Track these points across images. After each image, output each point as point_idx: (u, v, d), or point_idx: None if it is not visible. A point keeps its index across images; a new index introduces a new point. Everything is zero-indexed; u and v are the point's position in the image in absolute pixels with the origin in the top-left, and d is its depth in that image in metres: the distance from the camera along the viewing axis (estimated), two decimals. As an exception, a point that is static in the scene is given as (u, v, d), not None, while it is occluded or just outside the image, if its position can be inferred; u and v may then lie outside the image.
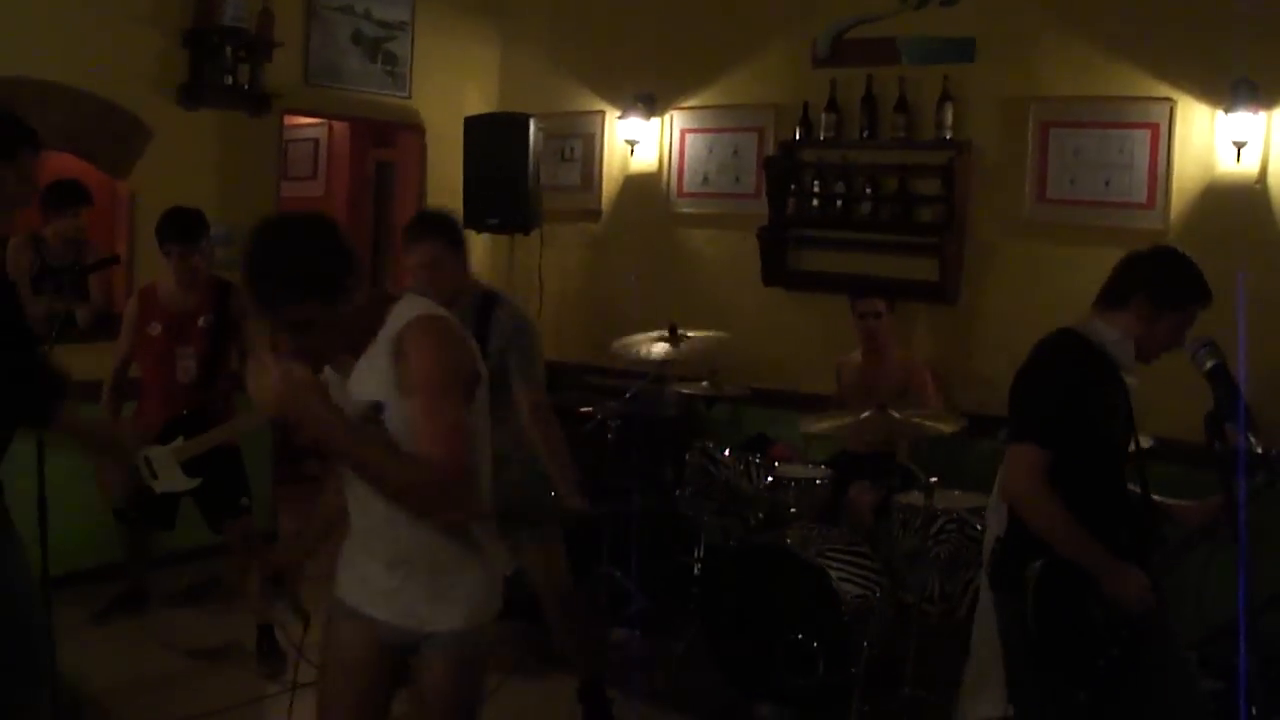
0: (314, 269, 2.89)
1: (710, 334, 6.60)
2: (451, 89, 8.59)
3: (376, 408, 2.96)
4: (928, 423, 5.50)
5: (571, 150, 8.51)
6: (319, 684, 3.33)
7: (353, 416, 2.93)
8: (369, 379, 3.01)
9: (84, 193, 6.41)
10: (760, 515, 5.78)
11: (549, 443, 4.79)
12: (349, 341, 3.05)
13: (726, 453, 6.01)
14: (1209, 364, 2.78)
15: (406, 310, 3.03)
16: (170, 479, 5.62)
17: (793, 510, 5.70)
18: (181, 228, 5.65)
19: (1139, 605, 3.37)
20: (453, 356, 3.02)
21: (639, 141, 8.10)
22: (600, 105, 8.39)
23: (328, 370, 3.14)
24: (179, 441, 5.59)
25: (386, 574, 3.14)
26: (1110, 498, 3.54)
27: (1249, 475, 3.10)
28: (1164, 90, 6.19)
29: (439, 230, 4.78)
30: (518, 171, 7.44)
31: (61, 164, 6.63)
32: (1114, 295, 3.67)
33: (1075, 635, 3.47)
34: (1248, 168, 5.94)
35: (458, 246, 4.80)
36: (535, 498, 4.85)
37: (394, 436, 2.94)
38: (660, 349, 6.39)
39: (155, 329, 5.70)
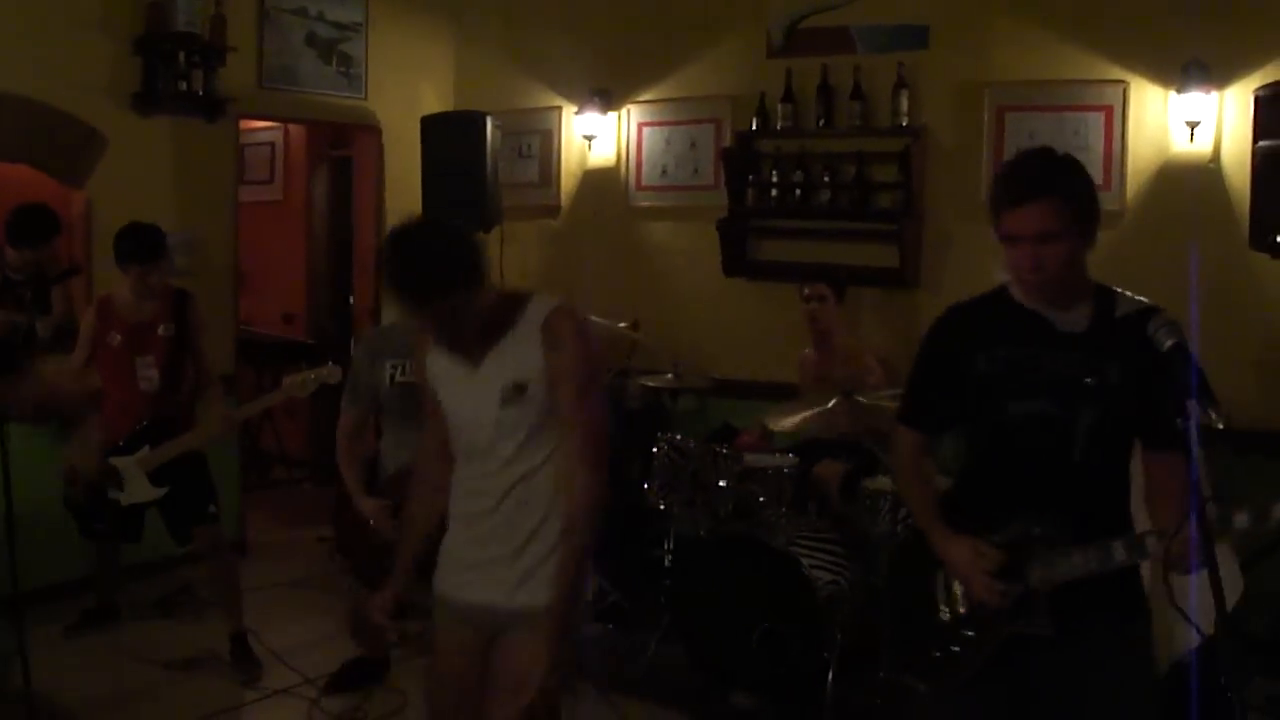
0: (461, 261, 3.13)
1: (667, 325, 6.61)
2: (407, 89, 8.58)
3: (519, 388, 3.22)
4: (893, 406, 5.52)
5: (529, 147, 8.51)
6: (433, 687, 3.56)
7: (493, 392, 3.23)
8: (512, 363, 3.24)
9: (52, 225, 6.22)
10: (729, 505, 5.79)
11: None
12: (483, 328, 3.24)
13: (693, 444, 6.03)
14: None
15: (543, 302, 3.30)
16: (137, 490, 5.60)
17: (761, 499, 5.71)
18: (140, 247, 5.61)
19: (980, 590, 3.11)
20: (593, 346, 3.31)
21: (596, 136, 8.10)
22: (556, 101, 8.39)
23: (436, 358, 3.37)
24: (144, 451, 5.58)
25: (515, 559, 3.28)
26: (993, 477, 3.28)
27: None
28: (1117, 73, 6.24)
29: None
30: (476, 170, 7.44)
31: (16, 174, 6.60)
32: None
33: (914, 614, 3.40)
34: (1201, 147, 6.01)
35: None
36: None
37: (528, 417, 3.23)
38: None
39: (115, 339, 5.67)
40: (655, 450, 6.11)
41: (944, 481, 3.53)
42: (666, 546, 6.06)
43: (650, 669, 5.74)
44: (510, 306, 3.29)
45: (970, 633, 3.23)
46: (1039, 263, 2.99)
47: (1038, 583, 3.06)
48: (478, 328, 3.23)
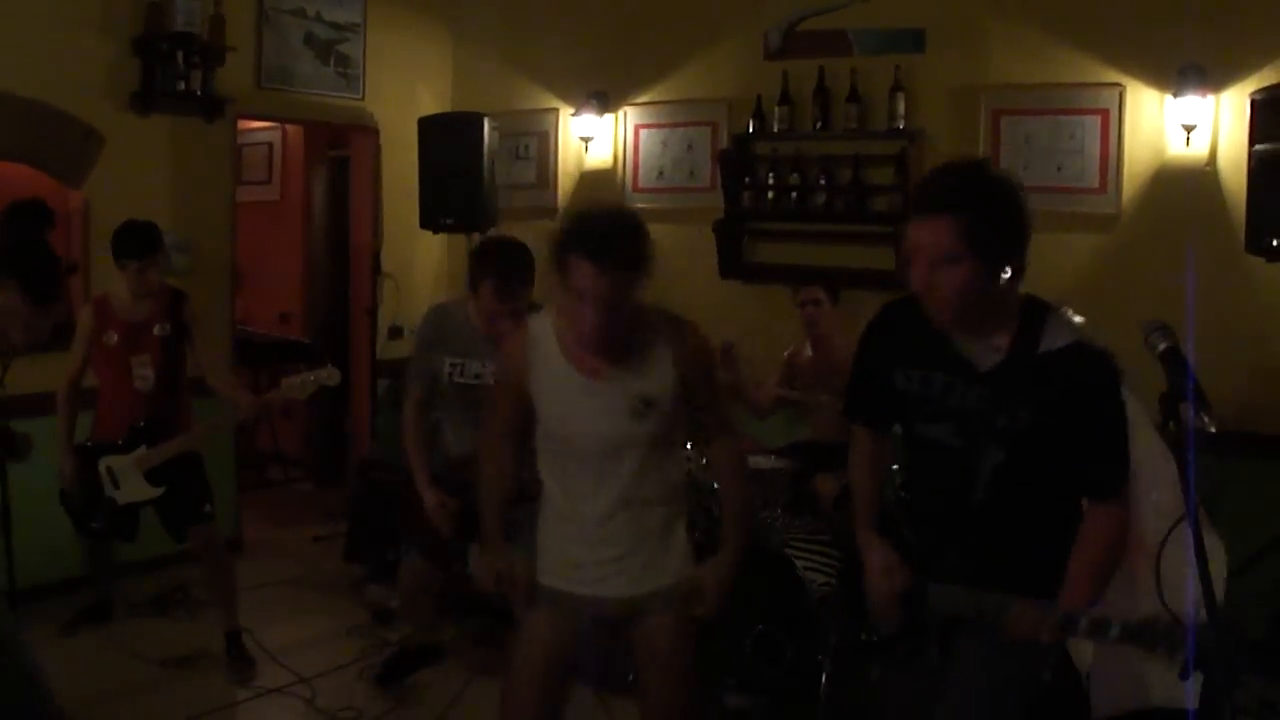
0: (650, 245, 3.30)
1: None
2: (405, 90, 8.59)
3: (648, 403, 3.32)
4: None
5: (526, 148, 8.52)
6: (516, 670, 3.56)
7: (617, 404, 3.33)
8: (641, 377, 3.34)
9: (47, 217, 6.27)
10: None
11: None
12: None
13: (688, 446, 6.01)
14: (1161, 346, 2.77)
15: (671, 319, 3.44)
16: (133, 489, 5.61)
17: (755, 501, 5.71)
18: (137, 242, 5.62)
19: (875, 603, 3.14)
20: (711, 347, 3.60)
21: (593, 138, 8.12)
22: (554, 103, 8.40)
23: (545, 362, 3.42)
24: (141, 450, 5.58)
25: (636, 554, 3.45)
26: (914, 490, 3.26)
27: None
28: (1113, 76, 6.25)
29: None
30: (473, 171, 7.44)
31: (14, 173, 6.59)
32: None
33: (853, 600, 3.37)
34: (1197, 151, 6.02)
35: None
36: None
37: (654, 431, 3.36)
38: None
39: (111, 338, 5.67)
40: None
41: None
42: (662, 548, 6.05)
43: (644, 670, 5.74)
44: (638, 321, 3.34)
45: (874, 638, 3.29)
46: (932, 283, 2.80)
47: (933, 610, 3.01)
48: (624, 331, 3.29)
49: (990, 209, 2.76)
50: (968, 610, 2.89)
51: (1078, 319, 2.92)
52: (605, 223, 3.25)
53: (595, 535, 3.45)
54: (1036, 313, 2.89)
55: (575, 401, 3.39)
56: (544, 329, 3.47)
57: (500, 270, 4.78)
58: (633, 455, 3.38)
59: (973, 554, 2.96)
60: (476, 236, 7.29)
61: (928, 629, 3.04)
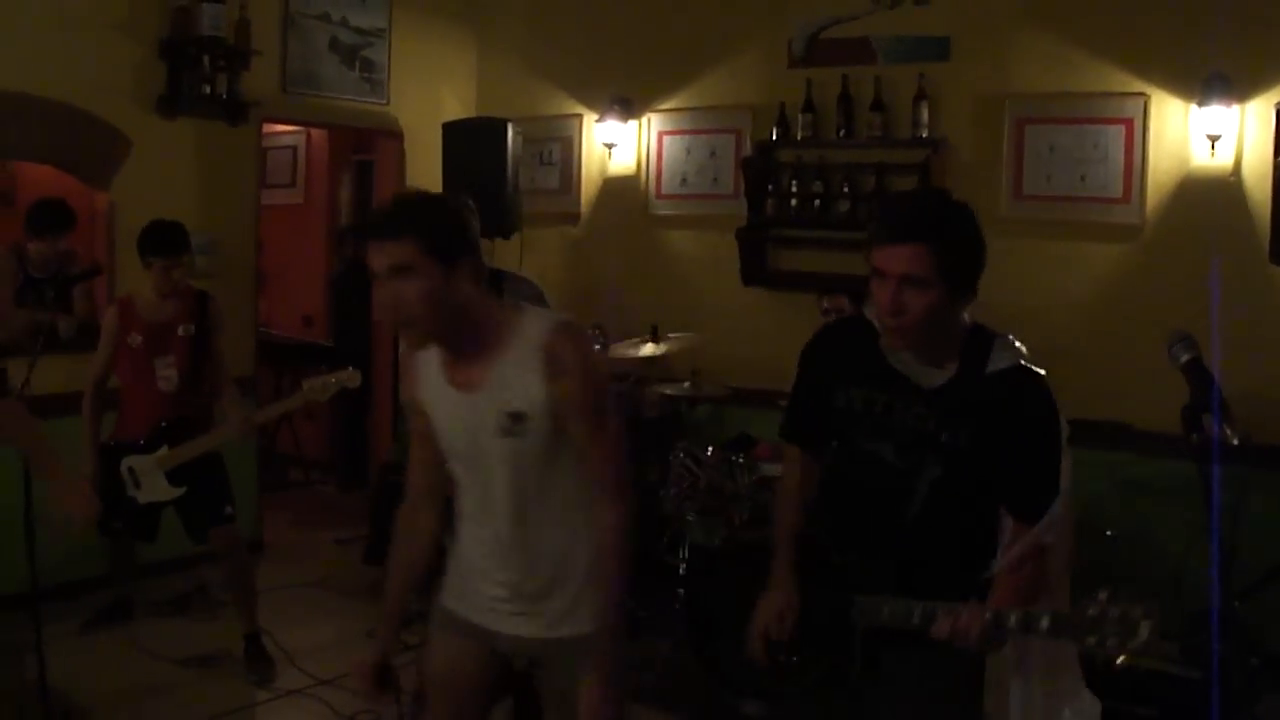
0: (448, 213, 2.97)
1: (689, 336, 6.64)
2: (429, 95, 8.61)
3: (517, 418, 2.94)
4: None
5: (550, 154, 8.54)
6: (436, 693, 3.33)
7: (489, 419, 2.95)
8: (507, 388, 2.94)
9: (69, 217, 6.38)
10: (745, 515, 5.79)
11: None
12: (478, 341, 2.98)
13: (709, 453, 6.03)
14: (1184, 358, 2.78)
15: (540, 319, 3.01)
16: (154, 489, 5.63)
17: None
18: (164, 241, 5.65)
19: (752, 644, 3.27)
20: (600, 367, 3.13)
21: (617, 144, 8.13)
22: (578, 109, 8.41)
23: (429, 373, 3.09)
24: (163, 451, 5.61)
25: (531, 589, 3.10)
26: (837, 505, 3.23)
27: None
28: (1138, 85, 6.23)
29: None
30: (496, 176, 7.45)
31: (41, 175, 6.65)
32: None
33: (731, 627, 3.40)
34: (1222, 161, 5.99)
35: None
36: None
37: (533, 447, 2.96)
38: (642, 350, 6.44)
39: (135, 340, 5.69)
40: (671, 458, 6.12)
41: None
42: (681, 555, 6.06)
43: (663, 676, 5.74)
44: (504, 322, 2.99)
45: (795, 657, 3.30)
46: (899, 306, 2.82)
47: (856, 623, 3.01)
48: (470, 332, 2.95)
49: (957, 239, 2.82)
50: (897, 619, 2.90)
51: (1020, 346, 2.94)
52: (393, 201, 3.01)
53: (489, 560, 3.13)
54: (984, 336, 2.93)
55: (452, 415, 3.07)
56: None
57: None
58: (515, 474, 3.01)
59: (904, 566, 2.98)
60: (499, 242, 7.30)
61: (848, 648, 3.06)
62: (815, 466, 3.34)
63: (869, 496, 3.08)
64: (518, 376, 2.93)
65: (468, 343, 2.96)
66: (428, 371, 3.09)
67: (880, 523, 3.04)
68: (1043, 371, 2.90)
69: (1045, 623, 2.66)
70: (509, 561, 3.10)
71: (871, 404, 3.03)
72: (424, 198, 3.00)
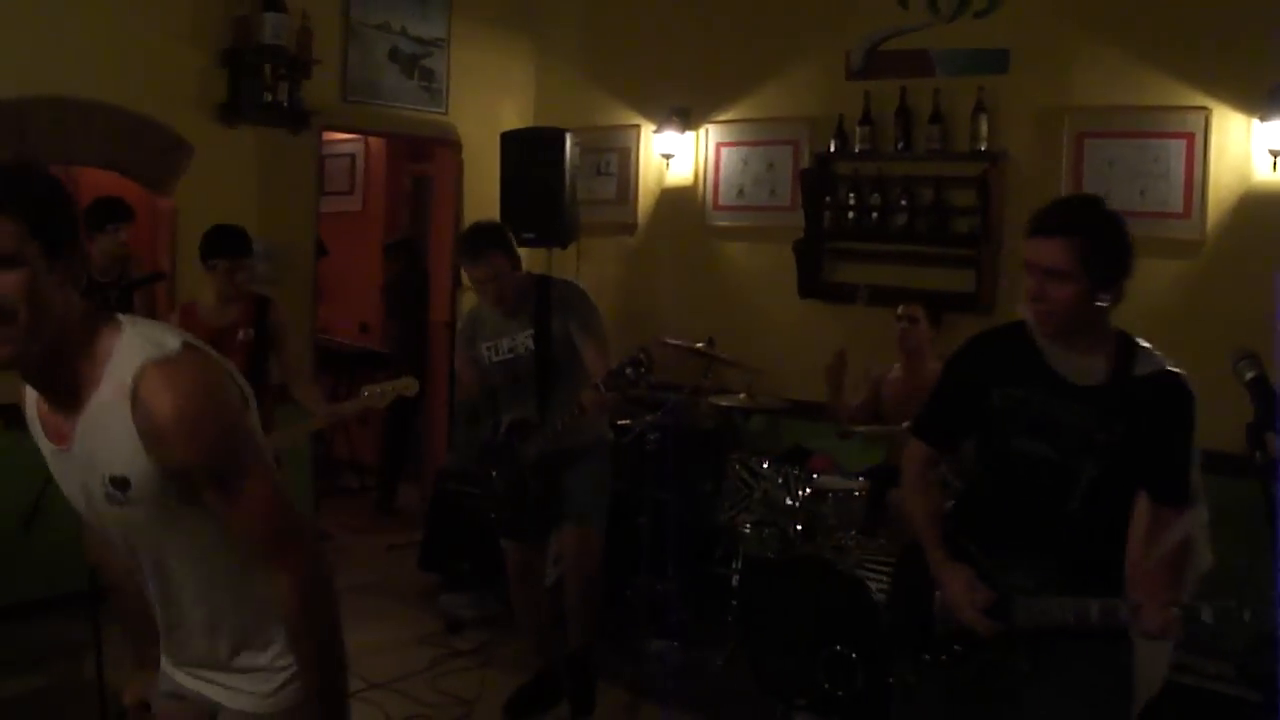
0: (32, 182, 2.18)
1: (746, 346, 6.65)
2: (487, 104, 8.66)
3: (120, 484, 2.26)
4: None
5: (607, 164, 8.56)
6: None
7: (94, 482, 2.30)
8: (101, 446, 2.25)
9: (126, 209, 6.46)
10: (798, 527, 5.79)
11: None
12: (61, 362, 2.22)
13: (765, 464, 6.03)
14: (1249, 375, 2.78)
15: (131, 348, 2.22)
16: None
17: (831, 522, 5.71)
18: (229, 243, 5.70)
19: (969, 621, 3.16)
20: (221, 409, 2.28)
21: (674, 155, 8.14)
22: (635, 119, 8.43)
23: (31, 409, 2.41)
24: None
25: (229, 660, 2.53)
26: (991, 505, 3.32)
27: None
28: (1199, 99, 6.18)
29: (496, 240, 5.20)
30: (554, 186, 7.49)
31: (104, 181, 6.73)
32: None
33: (913, 614, 3.43)
34: (1284, 176, 5.95)
35: (514, 255, 5.23)
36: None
37: (151, 518, 2.33)
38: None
39: (198, 345, 5.73)
40: (726, 469, 6.12)
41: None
42: (735, 566, 6.06)
43: (714, 687, 5.74)
44: (102, 350, 2.23)
45: (957, 647, 3.29)
46: (1042, 292, 3.05)
47: (1020, 623, 3.11)
48: (59, 361, 2.21)
49: (1102, 236, 3.08)
50: (1064, 618, 3.01)
51: (1159, 353, 3.15)
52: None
53: (186, 641, 2.57)
54: (1127, 339, 3.14)
55: (59, 475, 2.41)
56: None
57: (461, 250, 5.48)
58: (143, 547, 2.42)
59: (1059, 563, 3.10)
60: (556, 251, 7.33)
61: (1014, 643, 3.13)
62: (937, 465, 3.58)
63: (1026, 495, 3.19)
64: (110, 427, 2.22)
65: (58, 376, 2.23)
66: (33, 415, 2.41)
67: (1039, 520, 3.16)
68: (1185, 373, 3.09)
69: (1207, 614, 2.84)
70: (184, 635, 2.56)
71: (1028, 402, 3.16)
72: (27, 167, 2.20)
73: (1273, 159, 5.91)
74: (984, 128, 6.75)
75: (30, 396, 2.37)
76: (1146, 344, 3.14)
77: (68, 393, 2.24)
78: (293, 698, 2.52)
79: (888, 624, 3.60)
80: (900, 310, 6.24)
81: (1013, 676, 3.16)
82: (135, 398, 2.17)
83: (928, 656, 3.35)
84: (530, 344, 5.22)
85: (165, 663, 2.66)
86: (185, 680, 2.62)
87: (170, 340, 2.24)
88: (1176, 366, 3.10)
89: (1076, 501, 3.09)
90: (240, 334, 5.77)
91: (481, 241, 5.18)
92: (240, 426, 2.32)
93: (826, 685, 5.20)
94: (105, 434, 2.22)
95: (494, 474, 5.31)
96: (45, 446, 2.37)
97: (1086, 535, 3.11)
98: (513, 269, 5.20)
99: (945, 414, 3.47)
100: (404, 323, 9.32)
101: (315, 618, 2.39)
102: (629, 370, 4.84)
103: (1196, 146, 6.18)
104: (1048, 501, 3.13)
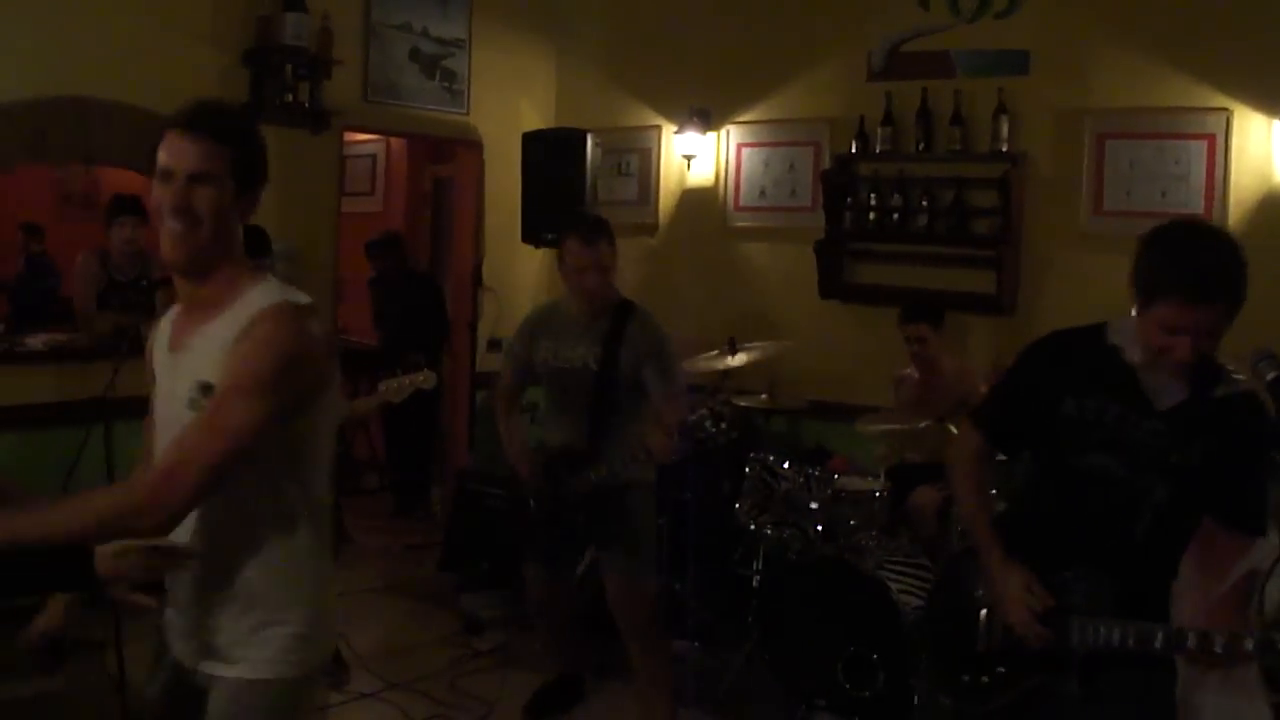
0: (246, 133, 2.79)
1: (768, 345, 6.64)
2: (508, 105, 8.67)
3: (206, 390, 2.51)
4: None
5: (628, 165, 8.57)
6: None
7: (183, 388, 2.56)
8: (204, 356, 2.56)
9: (137, 206, 6.49)
10: (819, 527, 5.78)
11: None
12: (200, 293, 2.68)
13: (785, 465, 6.02)
14: (1270, 375, 2.76)
15: (269, 291, 2.63)
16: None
17: (852, 522, 5.71)
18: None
19: (1021, 627, 3.07)
20: (301, 359, 2.53)
21: (695, 156, 8.14)
22: (656, 120, 8.44)
23: (160, 331, 2.77)
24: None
25: (205, 615, 2.62)
26: (1053, 519, 3.20)
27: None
28: (1220, 100, 6.17)
29: (609, 234, 5.05)
30: (575, 186, 7.48)
31: (125, 180, 6.75)
32: None
33: (953, 633, 3.33)
34: (1306, 178, 5.93)
35: (615, 257, 5.10)
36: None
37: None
38: (719, 362, 6.46)
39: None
40: (746, 470, 6.12)
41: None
42: (755, 566, 6.05)
43: (735, 687, 5.73)
44: (242, 283, 2.64)
45: (1001, 669, 3.20)
46: (1198, 354, 2.86)
47: (1075, 644, 3.01)
48: (212, 272, 2.63)
49: (1243, 297, 2.87)
50: (1124, 642, 2.92)
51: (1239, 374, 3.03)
52: (209, 103, 2.80)
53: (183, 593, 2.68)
54: (1211, 361, 2.99)
55: (160, 381, 2.70)
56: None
57: (577, 227, 5.08)
58: None
59: (1119, 585, 3.00)
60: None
61: (1065, 662, 3.04)
62: (990, 460, 3.40)
63: (1091, 512, 3.08)
64: (220, 340, 2.53)
65: (207, 289, 2.63)
66: (161, 332, 2.75)
67: (1102, 541, 3.05)
68: (1266, 397, 2.94)
69: None
70: (182, 577, 2.65)
71: (1105, 416, 3.04)
72: (247, 115, 2.69)
73: (1294, 161, 5.90)
74: (1005, 129, 6.75)
75: (163, 323, 2.74)
76: (1230, 365, 3.02)
77: (204, 306, 2.61)
78: (290, 669, 2.62)
79: (922, 639, 3.48)
80: (907, 331, 6.23)
81: (1057, 701, 3.07)
82: (251, 321, 2.50)
83: (967, 678, 3.26)
84: (593, 363, 4.98)
85: (171, 628, 2.74)
86: (183, 651, 2.68)
87: (302, 297, 2.62)
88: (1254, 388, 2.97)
89: (1144, 524, 2.99)
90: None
91: (602, 227, 5.05)
92: (289, 379, 2.49)
93: (847, 686, 5.20)
94: (212, 345, 2.53)
95: (533, 502, 5.15)
96: (160, 359, 2.70)
97: (1149, 561, 3.03)
98: (611, 268, 5.05)
99: (1011, 412, 3.33)
100: (390, 320, 9.25)
101: (123, 523, 2.43)
102: (709, 424, 4.66)
103: (1218, 148, 6.17)
104: (1113, 521, 3.03)
